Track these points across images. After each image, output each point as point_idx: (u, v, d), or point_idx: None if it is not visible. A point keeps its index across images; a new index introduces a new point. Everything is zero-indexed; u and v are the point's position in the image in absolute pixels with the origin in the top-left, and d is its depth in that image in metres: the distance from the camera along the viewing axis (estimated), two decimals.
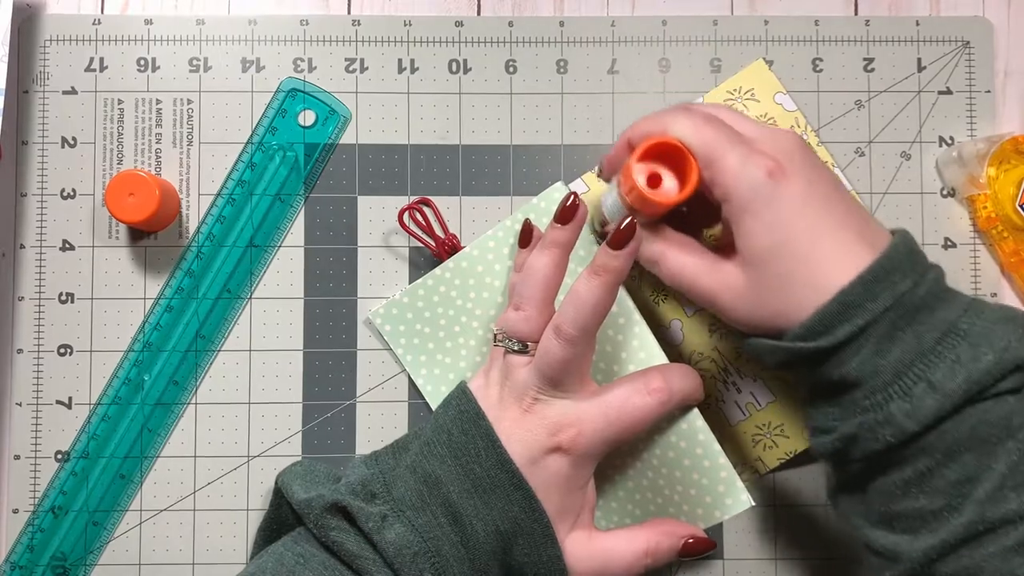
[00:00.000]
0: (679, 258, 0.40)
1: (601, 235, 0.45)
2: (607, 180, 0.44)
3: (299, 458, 0.49)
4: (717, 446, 0.43)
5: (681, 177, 0.39)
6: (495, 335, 0.43)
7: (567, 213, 0.42)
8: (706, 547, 0.42)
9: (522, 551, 0.41)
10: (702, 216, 0.43)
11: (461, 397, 0.43)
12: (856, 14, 0.51)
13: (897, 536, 0.36)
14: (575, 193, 0.42)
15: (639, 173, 0.39)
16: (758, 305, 0.38)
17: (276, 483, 0.43)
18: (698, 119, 0.38)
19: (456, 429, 0.41)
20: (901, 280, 0.35)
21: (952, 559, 0.34)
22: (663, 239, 0.41)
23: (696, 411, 0.43)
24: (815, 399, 0.39)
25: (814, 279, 0.36)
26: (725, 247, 0.40)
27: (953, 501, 0.34)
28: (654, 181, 0.39)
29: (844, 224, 0.37)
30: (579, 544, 0.42)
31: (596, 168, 0.46)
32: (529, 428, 0.41)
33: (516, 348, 0.42)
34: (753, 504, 0.43)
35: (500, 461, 0.40)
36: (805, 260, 0.36)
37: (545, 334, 0.41)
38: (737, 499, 0.43)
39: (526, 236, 0.46)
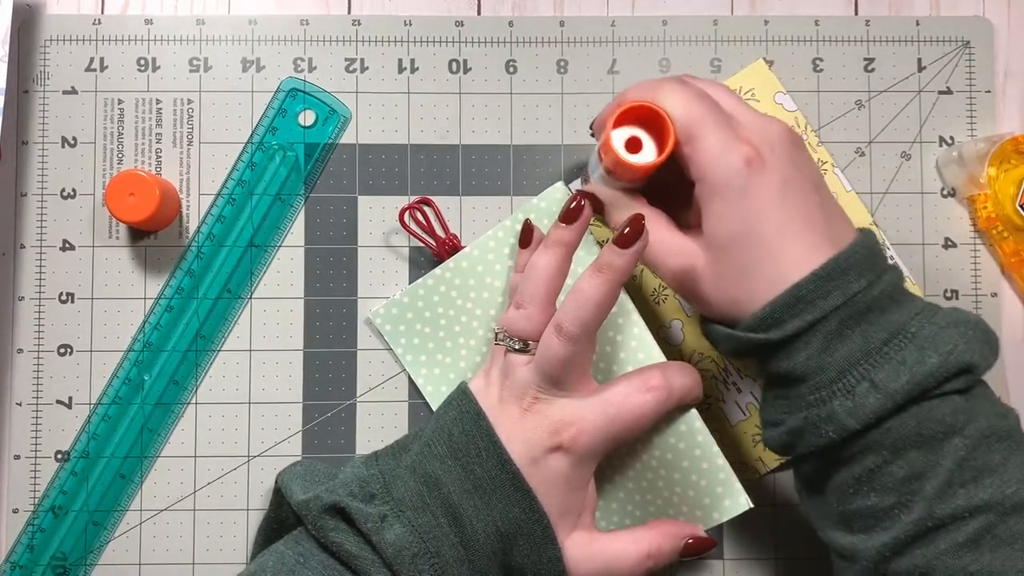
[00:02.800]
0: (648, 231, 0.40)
1: (572, 212, 0.44)
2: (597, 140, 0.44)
3: (299, 458, 0.49)
4: (716, 448, 0.43)
5: (660, 145, 0.38)
6: (496, 334, 0.43)
7: (572, 213, 0.41)
8: (707, 547, 0.42)
9: (522, 552, 0.41)
10: (683, 197, 0.42)
11: (461, 397, 0.43)
12: (856, 14, 0.51)
13: (854, 536, 0.37)
14: (582, 193, 0.42)
15: (619, 135, 0.38)
16: (717, 290, 0.38)
17: (276, 483, 0.43)
18: (689, 93, 0.38)
19: (456, 429, 0.41)
20: (856, 279, 0.36)
21: (906, 557, 0.35)
22: (631, 209, 0.41)
23: (695, 412, 0.43)
24: (767, 391, 0.40)
25: (773, 272, 0.36)
26: (693, 227, 0.40)
27: (903, 499, 0.35)
28: (635, 146, 0.39)
29: (812, 222, 0.37)
30: (580, 546, 0.41)
31: (589, 130, 0.46)
32: (530, 427, 0.41)
33: (517, 347, 0.42)
34: (752, 506, 0.43)
35: (501, 461, 0.40)
36: (768, 253, 0.37)
37: (546, 332, 0.41)
38: (735, 501, 0.43)
39: (527, 236, 0.46)
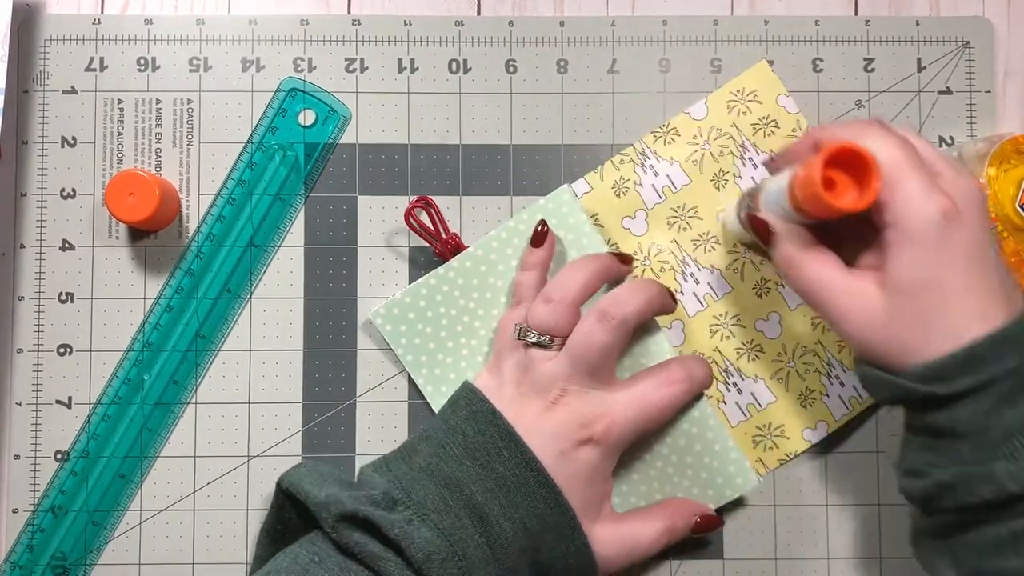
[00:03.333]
0: (817, 268, 0.40)
1: (747, 219, 0.43)
2: (774, 172, 0.44)
3: (299, 458, 0.49)
4: (726, 430, 0.47)
5: (859, 187, 0.38)
6: (518, 328, 0.44)
7: (626, 258, 0.47)
8: (715, 525, 0.46)
9: (549, 546, 0.41)
10: (848, 236, 0.42)
11: (471, 397, 0.43)
12: (856, 14, 0.51)
13: None
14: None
15: (820, 172, 0.37)
16: (887, 334, 0.38)
17: (281, 485, 0.43)
18: (893, 138, 0.38)
19: (471, 429, 0.42)
20: None
21: None
22: (804, 244, 0.40)
23: (705, 399, 0.46)
24: (910, 439, 0.39)
25: (950, 326, 0.36)
26: (861, 267, 0.39)
27: None
28: (827, 185, 0.38)
29: (992, 283, 0.37)
30: (606, 531, 0.43)
31: (767, 157, 0.45)
32: (557, 421, 0.41)
33: (538, 341, 0.43)
34: (761, 480, 0.47)
35: (524, 459, 0.41)
36: (949, 305, 0.36)
37: (587, 322, 0.43)
38: (746, 478, 0.46)
39: (540, 238, 0.46)
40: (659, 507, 0.46)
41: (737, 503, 0.48)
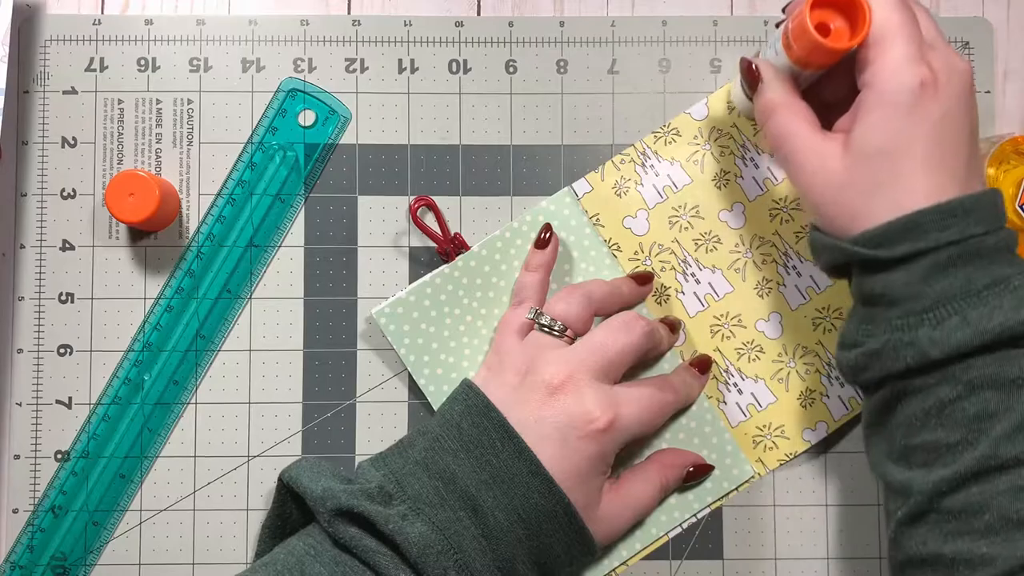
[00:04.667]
0: (791, 119, 0.39)
1: (740, 65, 0.42)
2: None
3: (299, 458, 0.49)
4: (723, 423, 0.48)
5: (850, 37, 0.38)
6: (533, 309, 0.45)
7: (644, 277, 0.48)
8: (706, 471, 0.47)
9: (547, 533, 0.41)
10: (834, 104, 0.42)
11: (467, 392, 0.43)
12: None
13: (912, 471, 0.37)
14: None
15: (811, 15, 0.38)
16: (840, 198, 0.38)
17: (281, 479, 0.43)
18: (897, 0, 0.38)
19: (466, 423, 0.42)
20: (976, 224, 0.36)
21: (961, 493, 0.35)
22: (786, 94, 0.40)
23: (703, 395, 0.48)
24: (853, 313, 0.39)
25: (900, 196, 0.36)
26: (837, 131, 0.39)
27: (970, 436, 0.35)
28: (823, 32, 0.38)
29: (953, 164, 0.37)
30: (607, 505, 0.44)
31: (782, 11, 0.44)
32: (559, 409, 0.42)
33: (551, 324, 0.44)
34: (756, 473, 0.47)
35: (518, 451, 0.41)
36: (903, 176, 0.36)
37: (613, 323, 0.44)
38: (742, 469, 0.47)
39: (544, 241, 0.47)
40: (651, 464, 0.46)
41: (737, 503, 0.48)
